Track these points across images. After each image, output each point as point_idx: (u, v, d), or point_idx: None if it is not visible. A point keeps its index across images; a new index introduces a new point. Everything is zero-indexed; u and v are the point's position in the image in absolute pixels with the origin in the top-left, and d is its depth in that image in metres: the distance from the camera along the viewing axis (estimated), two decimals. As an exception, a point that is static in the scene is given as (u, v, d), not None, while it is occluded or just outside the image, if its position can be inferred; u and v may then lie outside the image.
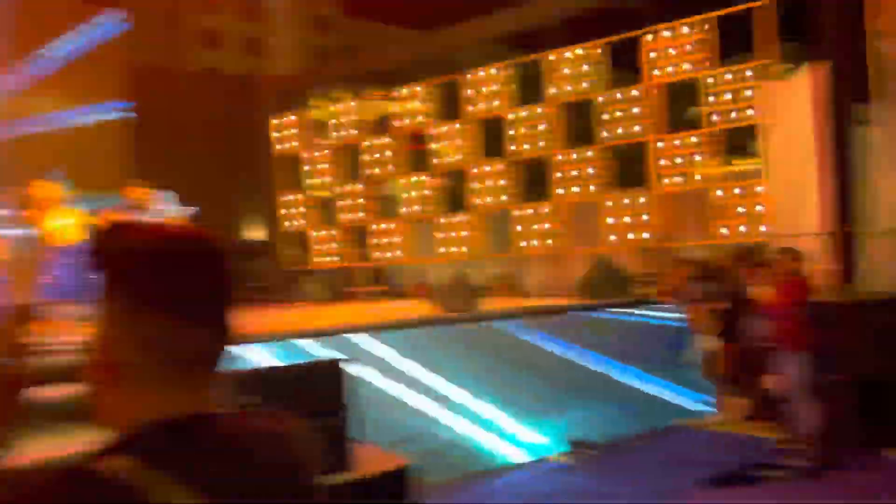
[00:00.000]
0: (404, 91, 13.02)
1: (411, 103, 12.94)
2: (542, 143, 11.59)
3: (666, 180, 10.47)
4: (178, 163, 12.02)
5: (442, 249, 12.43)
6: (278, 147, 14.31)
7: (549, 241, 11.45)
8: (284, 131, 14.29)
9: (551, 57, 11.42)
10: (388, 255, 13.22)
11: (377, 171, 13.34)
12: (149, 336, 0.88)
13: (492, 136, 12.23)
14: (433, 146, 12.73)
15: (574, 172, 11.25)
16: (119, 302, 0.89)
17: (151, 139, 12.63)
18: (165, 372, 0.89)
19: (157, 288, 0.89)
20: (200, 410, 0.91)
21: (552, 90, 11.46)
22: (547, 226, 11.45)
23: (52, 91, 11.97)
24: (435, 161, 12.70)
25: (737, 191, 9.79)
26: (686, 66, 10.28)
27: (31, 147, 11.06)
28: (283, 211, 14.30)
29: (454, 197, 12.61)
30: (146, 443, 0.85)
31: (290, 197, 14.33)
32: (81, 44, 12.27)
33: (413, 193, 12.97)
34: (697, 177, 10.24)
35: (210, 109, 13.90)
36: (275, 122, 14.28)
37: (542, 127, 11.59)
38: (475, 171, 12.25)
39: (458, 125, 12.45)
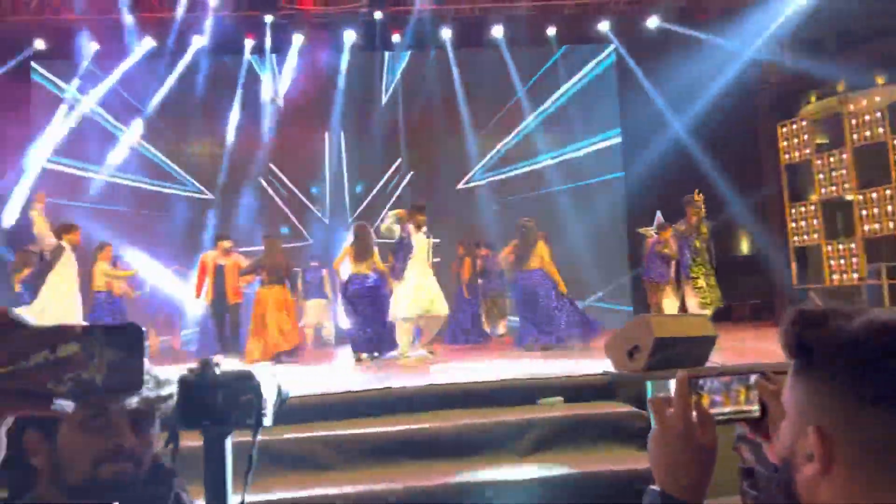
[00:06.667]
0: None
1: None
2: None
3: None
4: (667, 182, 12.01)
5: None
6: (786, 155, 12.28)
7: None
8: (794, 138, 12.13)
9: None
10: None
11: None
12: (872, 436, 0.83)
13: None
14: None
15: None
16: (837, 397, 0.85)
17: (640, 161, 13.07)
18: (880, 475, 0.83)
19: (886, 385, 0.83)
20: None
21: None
22: None
23: (557, 127, 13.78)
24: None
25: None
26: None
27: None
28: (791, 224, 12.29)
29: None
30: None
31: (798, 209, 12.16)
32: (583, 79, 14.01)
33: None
34: None
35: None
36: (783, 128, 12.32)
37: None
38: None
39: None
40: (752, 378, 1.13)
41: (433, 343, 8.45)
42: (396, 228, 8.12)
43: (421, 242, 8.14)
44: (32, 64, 12.96)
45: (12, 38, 11.91)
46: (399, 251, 8.14)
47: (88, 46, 12.50)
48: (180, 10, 11.93)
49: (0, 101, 11.44)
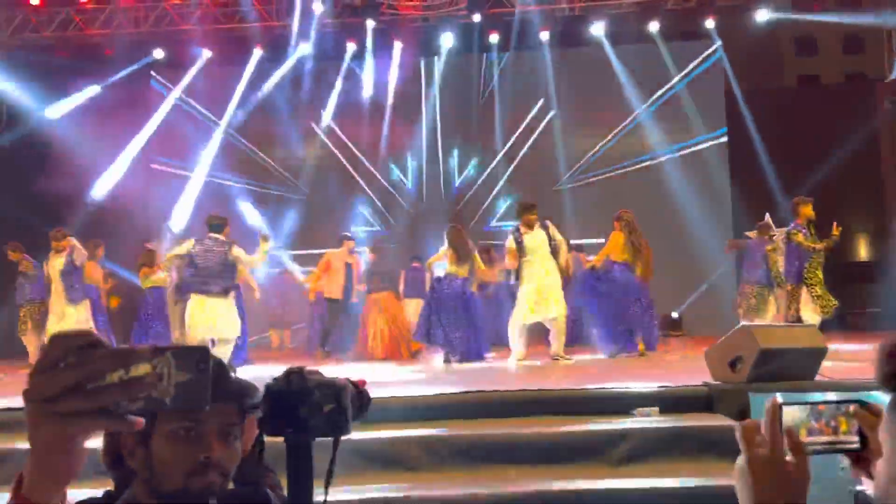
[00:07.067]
0: None
1: None
2: None
3: None
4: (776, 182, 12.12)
5: None
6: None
7: None
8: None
9: None
10: None
11: None
12: None
13: None
14: None
15: None
16: None
17: (748, 161, 13.02)
18: None
19: None
20: None
21: None
22: None
23: (660, 125, 13.43)
24: None
25: None
26: None
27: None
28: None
29: None
30: None
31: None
32: (685, 77, 13.69)
33: None
34: None
35: (813, 121, 12.92)
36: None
37: None
38: None
39: None
40: (853, 407, 1.06)
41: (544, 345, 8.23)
42: (513, 244, 7.93)
43: (535, 241, 7.87)
44: (151, 72, 13.74)
45: (133, 48, 12.67)
46: (519, 255, 7.92)
47: (202, 56, 13.15)
48: (295, 22, 12.35)
49: (121, 106, 12.18)
